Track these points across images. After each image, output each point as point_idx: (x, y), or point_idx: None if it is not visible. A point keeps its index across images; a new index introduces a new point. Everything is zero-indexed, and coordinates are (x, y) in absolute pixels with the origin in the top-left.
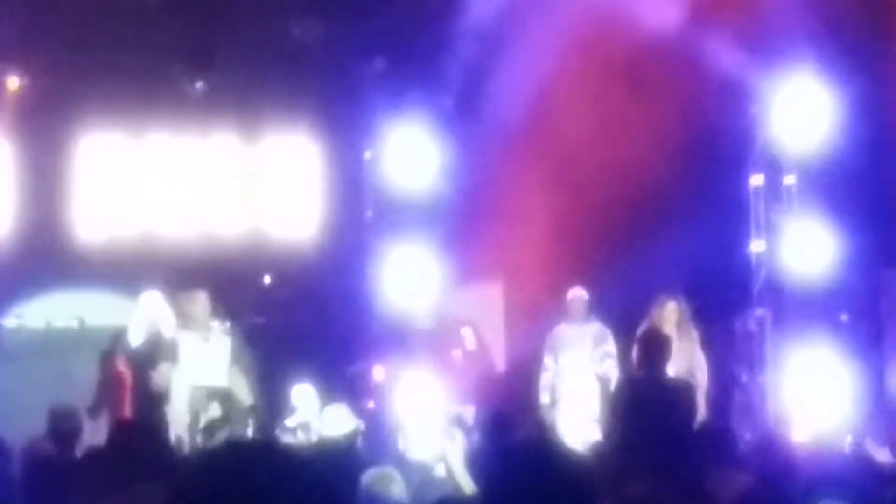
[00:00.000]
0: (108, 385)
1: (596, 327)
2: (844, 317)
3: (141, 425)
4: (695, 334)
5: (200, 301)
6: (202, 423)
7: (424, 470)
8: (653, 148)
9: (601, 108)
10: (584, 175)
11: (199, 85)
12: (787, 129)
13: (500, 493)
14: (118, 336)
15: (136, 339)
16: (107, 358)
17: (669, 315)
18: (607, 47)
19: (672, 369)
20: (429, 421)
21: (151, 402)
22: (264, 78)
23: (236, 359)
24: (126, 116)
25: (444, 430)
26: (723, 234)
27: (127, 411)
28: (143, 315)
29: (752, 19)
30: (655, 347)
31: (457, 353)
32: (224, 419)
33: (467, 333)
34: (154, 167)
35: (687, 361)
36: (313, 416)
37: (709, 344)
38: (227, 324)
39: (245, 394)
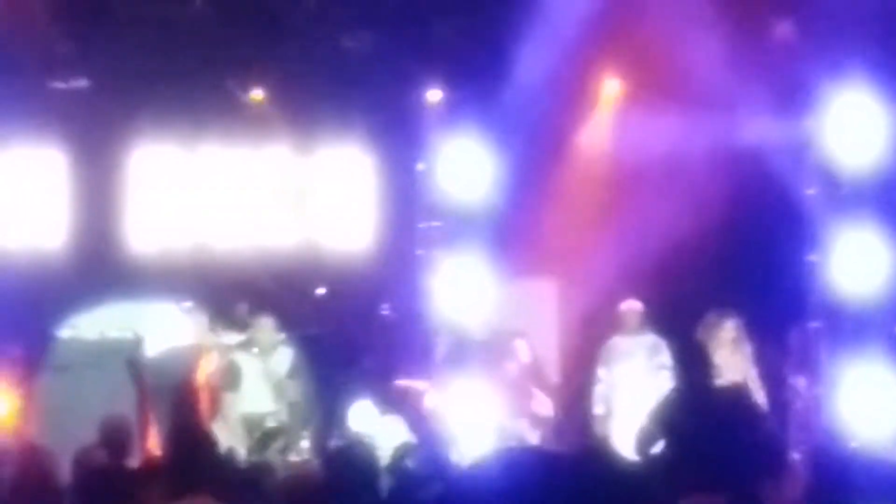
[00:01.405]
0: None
1: (650, 339)
2: None
3: (197, 436)
4: (748, 350)
5: (267, 327)
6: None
7: None
8: (710, 159)
9: (658, 118)
10: (641, 187)
11: (252, 96)
12: (841, 142)
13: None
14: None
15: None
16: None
17: (727, 334)
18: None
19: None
20: (485, 434)
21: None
22: (317, 90)
23: (295, 373)
24: (179, 128)
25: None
26: (779, 247)
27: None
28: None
29: (806, 30)
30: (698, 362)
31: (511, 366)
32: (278, 431)
33: (521, 346)
34: (207, 179)
35: (742, 377)
36: (372, 432)
37: (764, 356)
38: (285, 335)
39: (301, 406)
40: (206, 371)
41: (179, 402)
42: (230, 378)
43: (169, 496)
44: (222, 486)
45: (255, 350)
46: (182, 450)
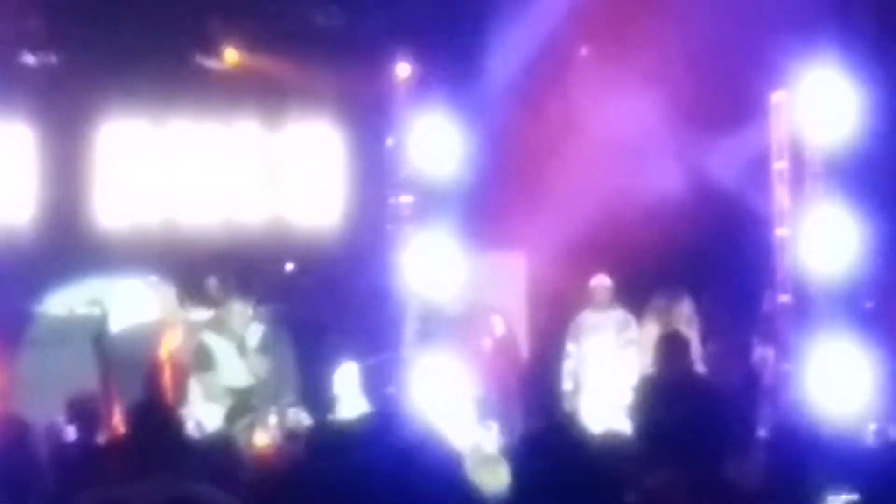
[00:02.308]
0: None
1: (619, 314)
2: (869, 304)
3: (162, 411)
4: (697, 329)
5: (237, 311)
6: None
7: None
8: (678, 132)
9: (628, 92)
10: (610, 161)
11: (221, 72)
12: (810, 116)
13: (526, 481)
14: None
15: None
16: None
17: (683, 311)
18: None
19: None
20: (459, 409)
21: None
22: (287, 65)
23: (264, 349)
24: (148, 103)
25: (480, 420)
26: (749, 221)
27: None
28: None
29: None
30: (677, 349)
31: (486, 341)
32: (244, 407)
33: (497, 321)
34: (176, 154)
35: (695, 355)
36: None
37: (732, 332)
38: (254, 311)
39: (270, 382)
40: (169, 346)
41: (144, 378)
42: (202, 359)
43: (133, 474)
44: (187, 465)
45: (226, 333)
46: (146, 427)
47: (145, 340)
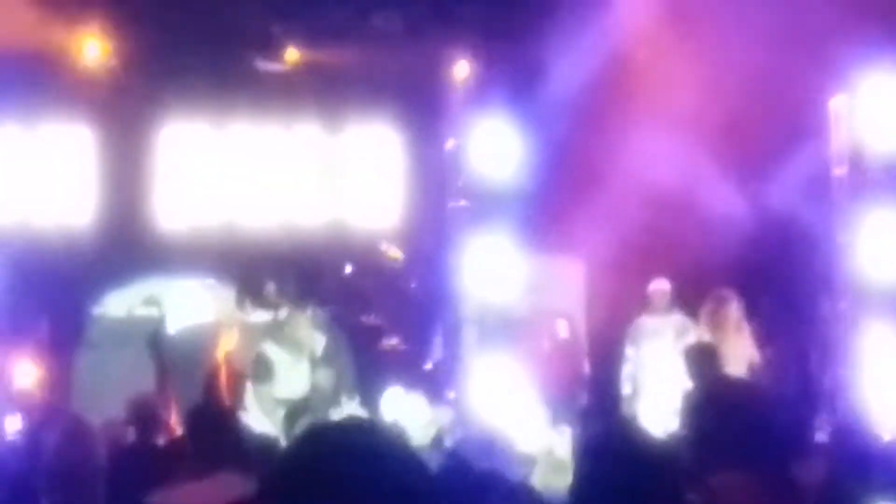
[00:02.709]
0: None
1: (678, 318)
2: None
3: (219, 413)
4: (749, 331)
5: (302, 324)
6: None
7: (531, 463)
8: (736, 139)
9: (683, 94)
10: (667, 165)
11: (281, 75)
12: (870, 122)
13: (588, 484)
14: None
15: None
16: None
17: (731, 314)
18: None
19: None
20: (529, 413)
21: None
22: (347, 68)
23: (326, 361)
24: (209, 106)
25: (552, 424)
26: (807, 228)
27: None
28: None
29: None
30: (700, 360)
31: (546, 344)
32: (304, 406)
33: (562, 325)
34: (236, 157)
35: (748, 359)
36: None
37: (792, 337)
38: (317, 316)
39: (329, 391)
40: (226, 348)
41: (202, 380)
42: (261, 371)
43: (194, 474)
44: (248, 463)
45: (287, 345)
46: (205, 427)
47: (202, 342)
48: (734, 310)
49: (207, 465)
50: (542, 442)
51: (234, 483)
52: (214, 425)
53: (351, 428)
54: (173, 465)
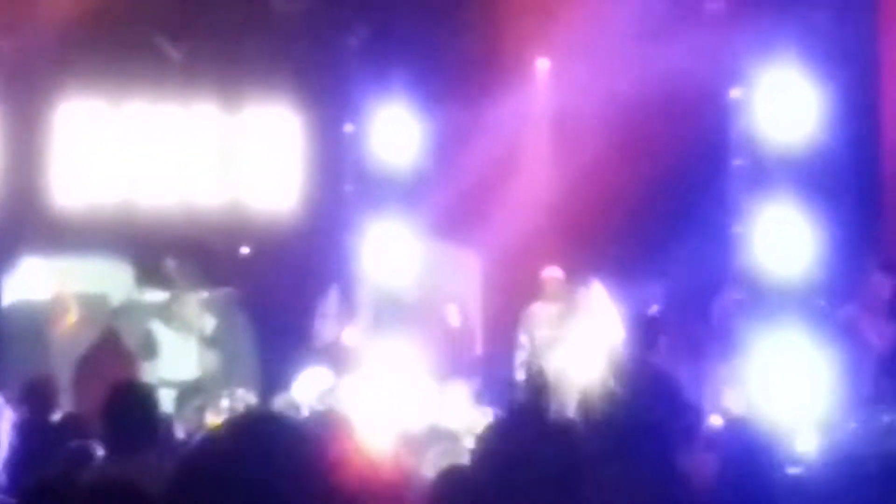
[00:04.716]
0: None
1: (566, 306)
2: (821, 302)
3: (141, 391)
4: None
5: (190, 304)
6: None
7: (453, 439)
8: (637, 126)
9: (584, 90)
10: (567, 151)
11: (179, 54)
12: (769, 117)
13: (489, 467)
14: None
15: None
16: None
17: (588, 298)
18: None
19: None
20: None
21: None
22: (245, 49)
23: (215, 342)
24: (106, 84)
25: (474, 403)
26: (704, 217)
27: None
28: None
29: (738, 5)
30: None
31: (439, 331)
32: (196, 388)
33: (452, 311)
34: (133, 135)
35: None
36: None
37: (685, 326)
38: (207, 298)
39: (220, 373)
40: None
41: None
42: (146, 347)
43: (110, 455)
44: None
45: (175, 324)
46: (127, 405)
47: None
48: (590, 295)
49: (124, 443)
50: (465, 419)
51: (152, 466)
52: (136, 403)
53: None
54: (68, 441)
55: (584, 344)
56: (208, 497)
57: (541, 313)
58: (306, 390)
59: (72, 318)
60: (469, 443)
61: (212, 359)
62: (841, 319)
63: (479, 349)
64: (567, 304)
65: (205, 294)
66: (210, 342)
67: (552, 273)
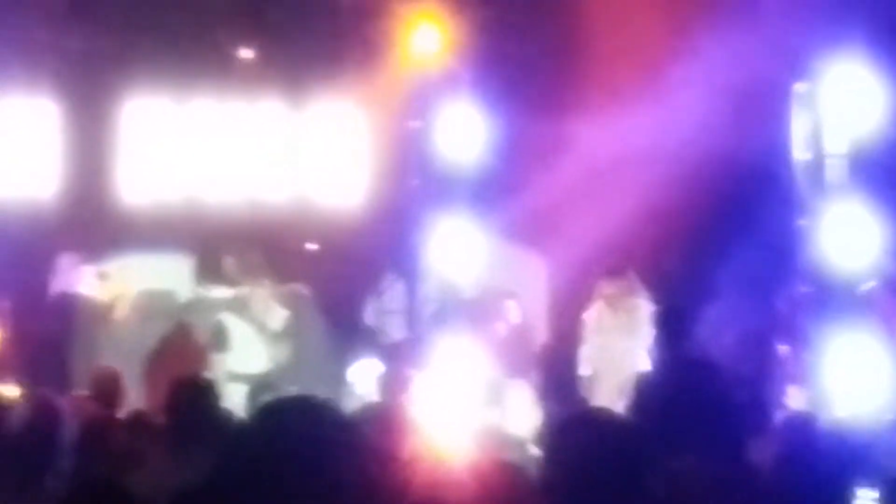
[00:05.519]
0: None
1: (636, 303)
2: (875, 292)
3: (203, 386)
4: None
5: (261, 295)
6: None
7: (521, 446)
8: (700, 122)
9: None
10: (632, 152)
11: (245, 51)
12: (835, 111)
13: (555, 466)
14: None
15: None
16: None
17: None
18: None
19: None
20: (469, 391)
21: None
22: (311, 45)
23: (287, 335)
24: (172, 81)
25: (536, 403)
26: (770, 211)
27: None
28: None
29: None
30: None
31: (500, 326)
32: (267, 384)
33: (512, 306)
34: (199, 132)
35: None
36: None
37: (751, 320)
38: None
39: (292, 366)
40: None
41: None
42: (218, 339)
43: (170, 451)
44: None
45: (247, 316)
46: (189, 400)
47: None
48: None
49: (184, 439)
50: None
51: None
52: (197, 398)
53: (297, 407)
54: (137, 438)
55: (642, 345)
56: (247, 481)
57: (606, 310)
58: (362, 382)
59: (131, 313)
60: (532, 447)
61: (282, 353)
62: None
63: (538, 347)
64: (627, 307)
65: (274, 288)
66: (280, 336)
67: (618, 269)
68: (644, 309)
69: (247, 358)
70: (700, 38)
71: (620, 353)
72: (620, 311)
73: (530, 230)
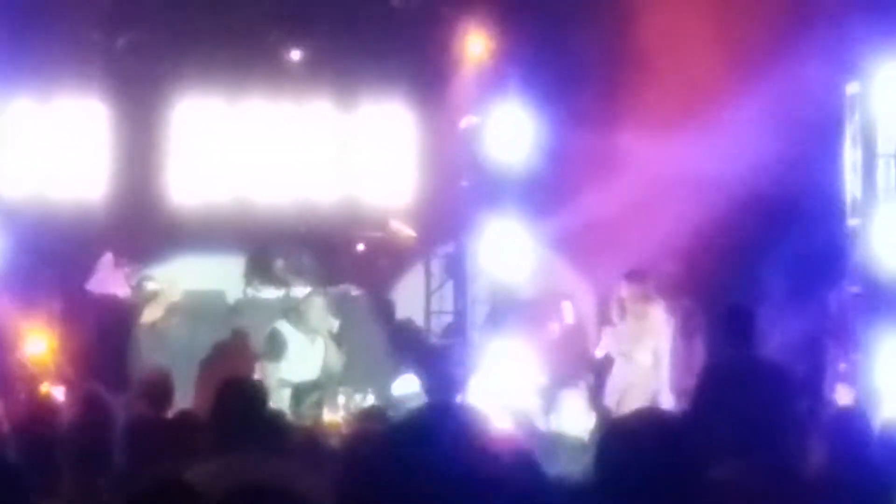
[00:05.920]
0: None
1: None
2: None
3: (252, 389)
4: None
5: (317, 306)
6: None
7: (578, 447)
8: (749, 124)
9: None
10: (683, 156)
11: (295, 52)
12: (885, 111)
13: (610, 469)
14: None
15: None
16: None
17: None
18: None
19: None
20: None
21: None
22: (361, 46)
23: (338, 344)
24: (223, 82)
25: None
26: (820, 212)
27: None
28: None
29: None
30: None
31: (554, 327)
32: (312, 386)
33: (567, 307)
34: (249, 133)
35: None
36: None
37: (801, 321)
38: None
39: (339, 372)
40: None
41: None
42: (273, 348)
43: (216, 451)
44: (273, 444)
45: (303, 326)
46: (238, 403)
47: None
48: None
49: (233, 441)
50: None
51: (251, 466)
52: (246, 401)
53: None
54: (184, 438)
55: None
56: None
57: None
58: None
59: (180, 314)
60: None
61: (336, 358)
62: None
63: (592, 349)
64: (637, 312)
65: (329, 293)
66: (335, 341)
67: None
68: (654, 317)
69: (299, 367)
70: (752, 41)
71: (620, 355)
72: (629, 316)
73: (576, 239)
